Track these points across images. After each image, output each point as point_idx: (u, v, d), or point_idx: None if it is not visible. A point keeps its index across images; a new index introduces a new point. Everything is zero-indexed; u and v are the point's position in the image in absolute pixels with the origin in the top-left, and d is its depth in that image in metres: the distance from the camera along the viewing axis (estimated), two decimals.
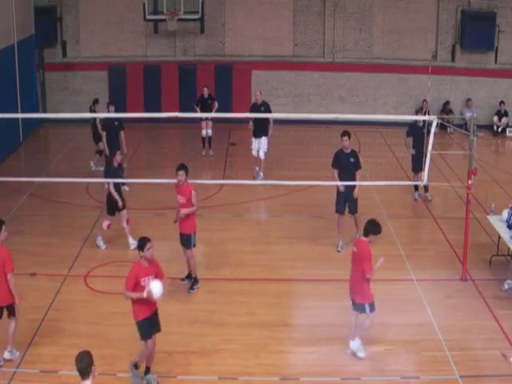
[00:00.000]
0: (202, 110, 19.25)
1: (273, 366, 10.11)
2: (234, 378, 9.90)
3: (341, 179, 13.74)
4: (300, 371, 10.08)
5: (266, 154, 18.20)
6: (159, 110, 21.76)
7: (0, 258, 9.92)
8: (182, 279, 12.64)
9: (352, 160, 13.78)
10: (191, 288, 12.51)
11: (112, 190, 13.85)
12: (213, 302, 12.04)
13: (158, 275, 9.54)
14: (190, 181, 12.47)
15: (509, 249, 12.91)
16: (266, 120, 17.71)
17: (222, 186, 17.32)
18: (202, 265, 13.31)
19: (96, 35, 23.75)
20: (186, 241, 12.37)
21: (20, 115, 19.57)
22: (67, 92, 23.84)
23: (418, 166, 15.59)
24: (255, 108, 18.02)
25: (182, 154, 19.49)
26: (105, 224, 14.11)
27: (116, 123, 17.21)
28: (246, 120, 21.88)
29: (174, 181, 12.29)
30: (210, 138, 20.06)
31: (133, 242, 13.64)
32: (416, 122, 16.19)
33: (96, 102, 18.96)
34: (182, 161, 12.69)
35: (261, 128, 17.93)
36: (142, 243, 9.40)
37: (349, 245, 13.22)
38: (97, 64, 23.67)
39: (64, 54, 23.76)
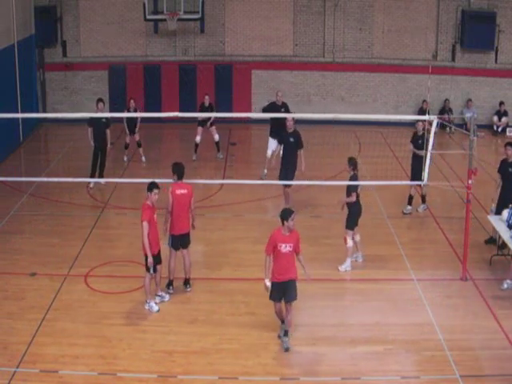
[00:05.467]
0: (201, 120, 19.22)
1: (273, 365, 10.11)
2: (234, 378, 9.89)
3: None
4: (300, 371, 10.08)
5: None
6: (159, 110, 21.76)
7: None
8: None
9: None
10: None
11: None
12: (213, 301, 12.02)
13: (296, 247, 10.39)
14: (190, 180, 12.47)
15: (509, 249, 12.91)
16: (285, 121, 17.22)
17: (221, 185, 17.32)
18: (202, 264, 13.31)
19: (96, 35, 23.74)
20: (189, 240, 12.21)
21: (20, 115, 19.58)
22: (67, 92, 23.84)
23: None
24: (275, 108, 17.93)
25: (182, 154, 19.44)
26: None
27: (103, 120, 17.23)
28: (246, 119, 21.78)
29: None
30: (217, 142, 19.85)
31: None
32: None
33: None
34: (183, 160, 12.67)
35: (281, 128, 16.67)
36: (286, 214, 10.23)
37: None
38: (97, 64, 23.66)
39: (64, 54, 23.74)
